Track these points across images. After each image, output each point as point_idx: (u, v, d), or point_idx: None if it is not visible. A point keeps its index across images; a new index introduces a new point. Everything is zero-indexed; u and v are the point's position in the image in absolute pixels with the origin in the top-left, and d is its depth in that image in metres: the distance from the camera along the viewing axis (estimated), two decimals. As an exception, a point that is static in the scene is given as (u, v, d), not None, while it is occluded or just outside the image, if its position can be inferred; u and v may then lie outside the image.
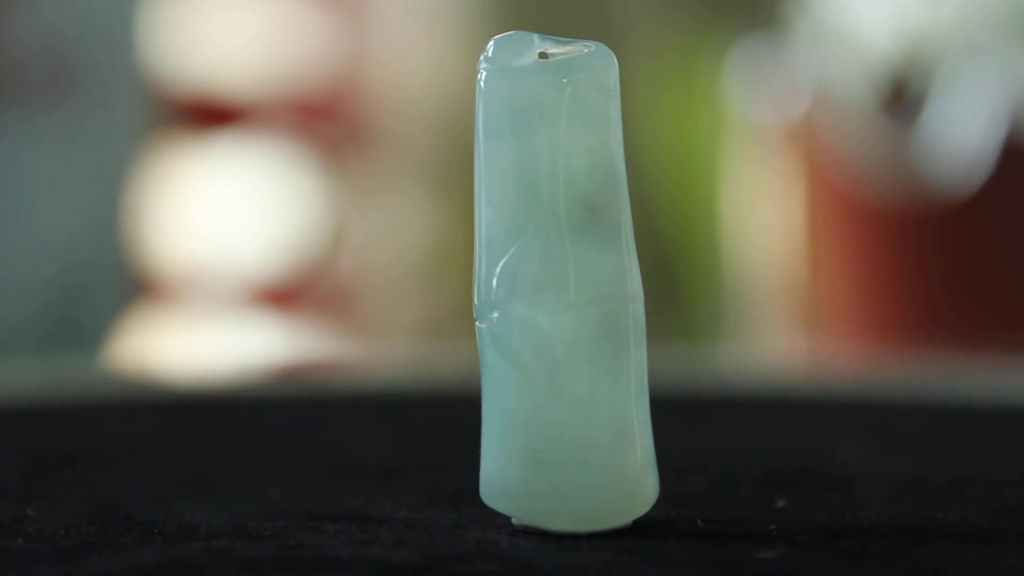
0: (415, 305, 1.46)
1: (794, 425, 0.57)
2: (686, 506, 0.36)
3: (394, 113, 1.47)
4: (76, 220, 1.04)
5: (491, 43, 0.33)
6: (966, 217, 1.09)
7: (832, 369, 0.93)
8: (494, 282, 0.33)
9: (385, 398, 0.67)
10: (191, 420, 0.58)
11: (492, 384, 0.33)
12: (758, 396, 0.67)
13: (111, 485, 0.41)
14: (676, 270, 1.42)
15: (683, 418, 0.58)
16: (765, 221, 1.19)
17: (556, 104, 0.33)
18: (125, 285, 1.09)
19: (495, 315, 0.33)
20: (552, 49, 0.33)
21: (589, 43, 0.33)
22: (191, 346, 1.32)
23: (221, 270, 1.37)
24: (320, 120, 1.42)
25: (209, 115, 1.36)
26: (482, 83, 0.33)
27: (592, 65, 0.33)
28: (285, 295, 1.38)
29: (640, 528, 0.34)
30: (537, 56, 0.33)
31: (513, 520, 0.34)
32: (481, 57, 0.33)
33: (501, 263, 0.33)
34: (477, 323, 0.33)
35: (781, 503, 0.38)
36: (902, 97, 1.11)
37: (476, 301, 0.33)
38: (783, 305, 1.18)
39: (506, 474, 0.33)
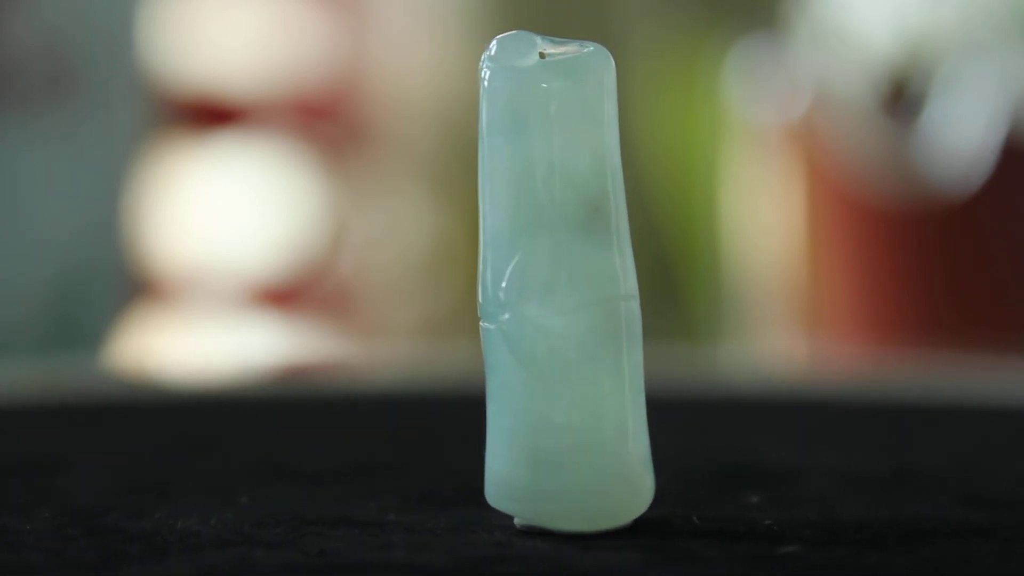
0: (415, 305, 1.46)
1: (792, 425, 0.57)
2: (676, 505, 0.37)
3: (394, 113, 1.47)
4: (76, 220, 1.04)
5: (494, 42, 0.33)
6: (966, 217, 1.09)
7: (832, 369, 0.93)
8: (503, 283, 0.33)
9: (383, 398, 0.67)
10: (190, 420, 0.58)
11: (499, 385, 0.33)
12: (757, 397, 0.67)
13: (96, 488, 0.41)
14: (676, 270, 1.42)
15: (681, 418, 0.58)
16: (765, 221, 1.19)
17: (560, 104, 0.33)
18: (125, 285, 1.09)
19: (506, 316, 0.33)
20: (550, 49, 0.33)
21: (587, 43, 0.33)
22: (191, 346, 1.32)
23: (221, 270, 1.37)
24: (320, 120, 1.42)
25: (209, 115, 1.36)
26: (486, 82, 0.33)
27: (593, 65, 0.33)
28: (285, 295, 1.38)
29: (642, 527, 0.34)
30: (537, 56, 0.33)
31: (516, 521, 0.34)
32: (484, 56, 0.33)
33: (511, 264, 0.33)
34: (484, 323, 0.33)
35: (754, 499, 0.38)
36: (902, 97, 1.11)
37: (482, 301, 0.33)
38: (783, 305, 1.18)
39: (514, 475, 0.33)
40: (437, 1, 1.50)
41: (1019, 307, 1.09)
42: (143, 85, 1.11)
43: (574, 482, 0.33)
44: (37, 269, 1.03)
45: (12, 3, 1.03)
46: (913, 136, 1.10)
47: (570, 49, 0.33)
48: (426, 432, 0.55)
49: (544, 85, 0.33)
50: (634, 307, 0.33)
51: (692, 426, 0.56)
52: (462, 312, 1.44)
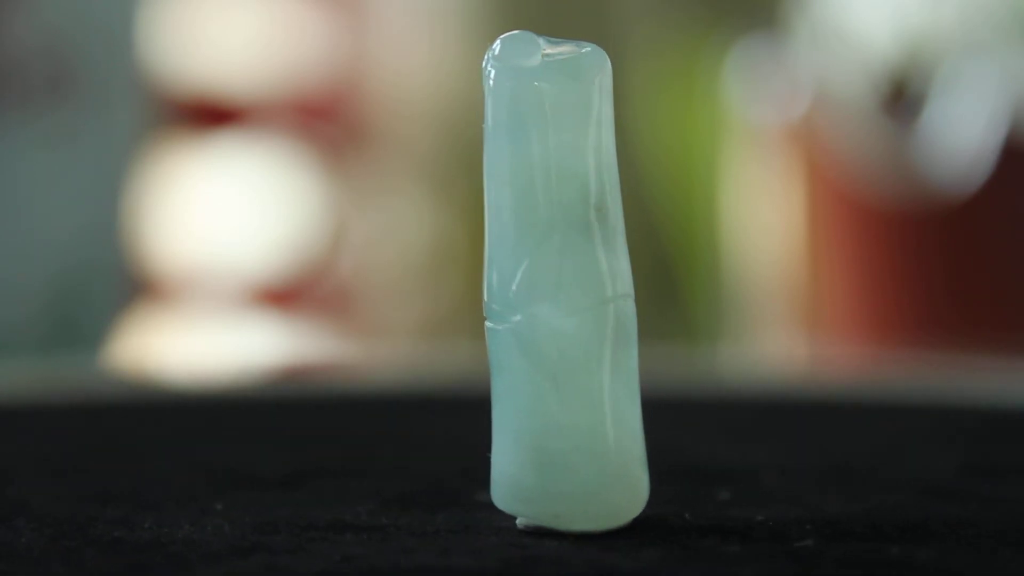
0: (415, 305, 1.46)
1: (789, 425, 0.57)
2: (667, 504, 0.37)
3: (394, 113, 1.47)
4: (76, 220, 1.04)
5: (498, 42, 0.33)
6: (966, 217, 1.09)
7: (831, 370, 0.93)
8: (514, 283, 0.33)
9: (383, 399, 0.67)
10: (189, 421, 0.58)
11: (508, 386, 0.33)
12: (756, 397, 0.67)
13: (92, 492, 0.41)
14: (676, 270, 1.42)
15: (679, 418, 0.58)
16: (765, 221, 1.19)
17: (563, 104, 0.33)
18: (125, 285, 1.09)
19: (517, 317, 0.33)
20: (548, 49, 0.33)
21: (584, 43, 0.34)
22: (191, 346, 1.32)
23: (221, 270, 1.37)
24: (320, 120, 1.42)
25: (209, 115, 1.37)
26: (491, 81, 0.33)
27: (593, 65, 0.33)
28: (285, 295, 1.38)
29: (640, 526, 0.34)
30: (541, 56, 0.33)
31: (518, 522, 0.34)
32: (488, 55, 0.33)
33: (523, 264, 0.33)
34: (492, 324, 0.33)
35: (725, 495, 0.38)
36: (902, 97, 1.11)
37: (489, 302, 0.33)
38: (783, 305, 1.18)
39: (522, 476, 0.33)
40: (437, 1, 1.50)
41: (1019, 307, 1.09)
42: (143, 85, 1.11)
43: (581, 482, 0.33)
44: (37, 269, 1.03)
45: (12, 3, 1.03)
46: (913, 136, 1.10)
47: (566, 49, 0.33)
48: (420, 433, 0.55)
49: (546, 85, 0.33)
50: (632, 306, 0.34)
51: (688, 426, 0.56)
52: (462, 312, 1.44)
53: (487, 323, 0.34)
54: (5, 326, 1.02)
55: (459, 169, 1.45)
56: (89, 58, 1.04)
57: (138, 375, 0.87)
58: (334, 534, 0.34)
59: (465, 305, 1.44)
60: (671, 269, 1.41)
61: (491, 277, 0.33)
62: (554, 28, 0.34)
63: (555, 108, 0.33)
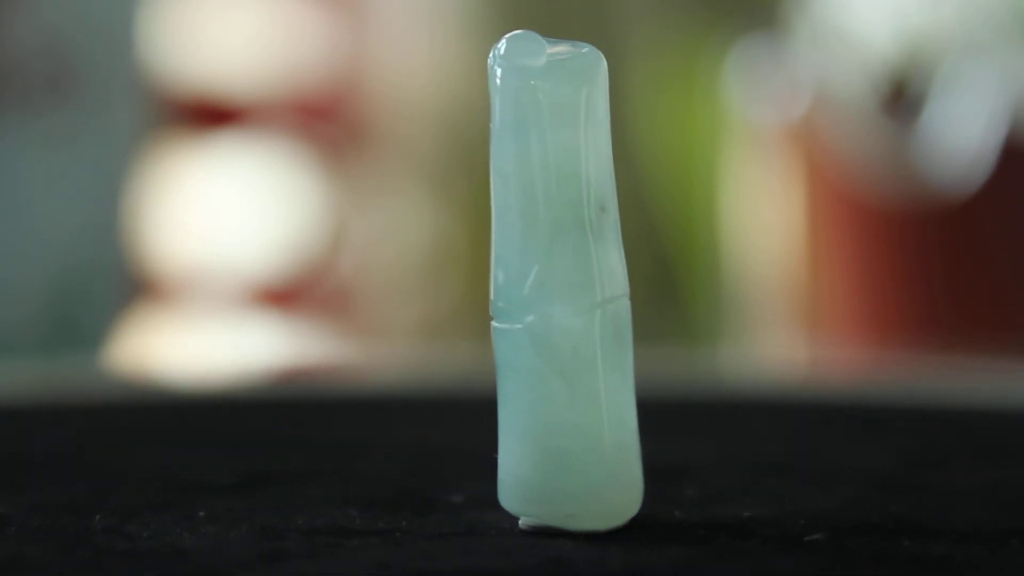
0: (415, 305, 1.46)
1: (785, 425, 0.57)
2: (654, 503, 0.37)
3: (394, 113, 1.47)
4: (76, 220, 1.04)
5: (503, 41, 0.33)
6: (966, 217, 1.09)
7: (831, 370, 0.93)
8: (527, 283, 0.33)
9: (382, 400, 0.67)
10: (188, 422, 0.58)
11: (518, 386, 0.33)
12: (755, 398, 0.67)
13: (84, 494, 0.41)
14: (676, 270, 1.42)
15: (675, 419, 0.58)
16: (765, 221, 1.19)
17: (567, 104, 0.33)
18: (125, 285, 1.09)
19: (531, 317, 0.33)
20: (547, 49, 0.33)
21: (580, 43, 0.34)
22: (191, 346, 1.32)
23: (221, 270, 1.37)
24: (320, 120, 1.42)
25: (209, 115, 1.36)
26: (497, 80, 0.33)
27: (594, 65, 0.34)
28: (285, 295, 1.38)
29: (641, 525, 0.34)
30: (546, 55, 0.33)
31: (521, 522, 0.34)
32: (492, 54, 0.33)
33: (535, 264, 0.33)
34: (502, 325, 0.33)
35: (689, 491, 0.39)
36: (902, 97, 1.11)
37: (499, 302, 0.33)
38: (783, 305, 1.18)
39: (533, 476, 0.33)
40: (437, 1, 1.50)
41: (1019, 307, 1.09)
42: (143, 85, 1.11)
43: (591, 482, 0.33)
44: (37, 269, 1.03)
45: (12, 3, 1.03)
46: (913, 136, 1.10)
47: (563, 49, 0.33)
48: (404, 435, 0.55)
49: (547, 86, 0.33)
50: (629, 305, 0.34)
51: (670, 425, 0.56)
52: (462, 312, 1.44)
53: (494, 323, 0.33)
54: (5, 326, 1.02)
55: (459, 169, 1.45)
56: (89, 58, 1.04)
57: (138, 375, 0.87)
58: (344, 539, 0.33)
59: (465, 305, 1.44)
60: (671, 269, 1.41)
61: (499, 276, 0.33)
62: (554, 28, 0.34)
63: (557, 108, 0.33)
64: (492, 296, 0.34)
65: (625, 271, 0.34)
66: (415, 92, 1.48)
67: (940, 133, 1.09)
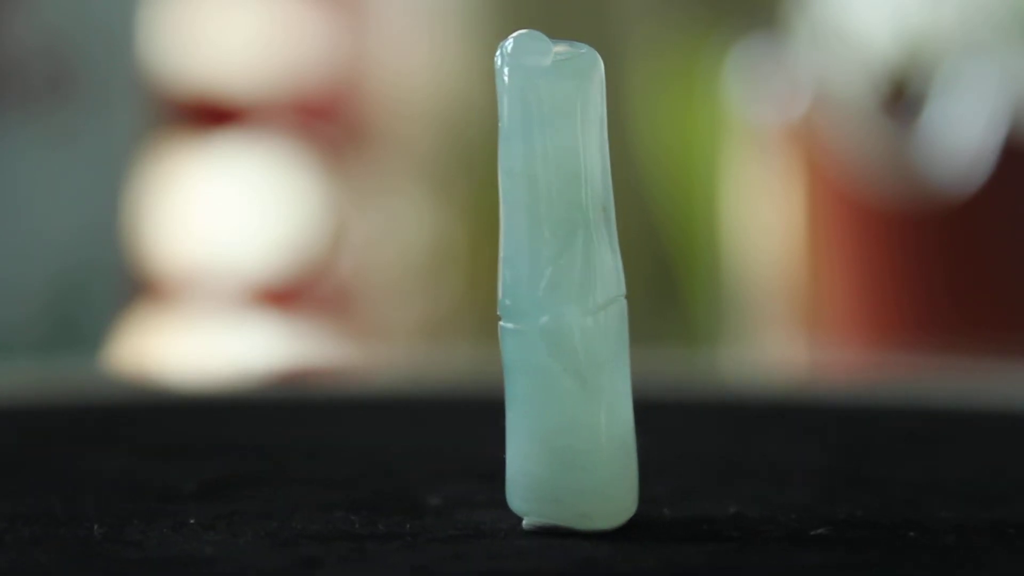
0: (415, 305, 1.46)
1: (780, 426, 0.57)
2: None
3: (394, 113, 1.47)
4: (76, 220, 1.04)
5: (510, 40, 0.33)
6: (966, 217, 1.09)
7: (831, 371, 0.93)
8: (542, 284, 0.33)
9: (382, 401, 0.67)
10: (187, 422, 0.58)
11: (530, 387, 0.33)
12: (754, 399, 0.67)
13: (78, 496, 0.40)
14: (676, 270, 1.42)
15: (674, 420, 0.58)
16: (765, 221, 1.19)
17: (572, 104, 0.33)
18: (125, 285, 1.09)
19: (545, 318, 0.33)
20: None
21: (576, 43, 0.34)
22: (191, 347, 1.32)
23: (221, 270, 1.37)
24: (320, 120, 1.42)
25: (209, 115, 1.36)
26: (505, 79, 0.33)
27: (594, 65, 0.34)
28: (285, 295, 1.38)
29: (640, 523, 0.34)
30: (553, 55, 0.33)
31: (524, 523, 0.34)
32: (499, 53, 0.33)
33: (548, 264, 0.33)
34: (510, 325, 0.33)
35: (658, 488, 0.39)
36: (902, 97, 1.11)
37: (507, 300, 0.33)
38: (783, 305, 1.18)
39: (550, 477, 0.33)
40: (437, 1, 1.50)
41: (1019, 307, 1.09)
42: (143, 85, 1.11)
43: (601, 481, 0.33)
44: (37, 269, 1.03)
45: (12, 3, 1.03)
46: (913, 136, 1.10)
47: (561, 49, 0.34)
48: (392, 437, 0.55)
49: (552, 85, 0.33)
50: (626, 304, 0.34)
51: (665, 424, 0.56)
52: (462, 313, 1.44)
53: (503, 324, 0.33)
54: (5, 326, 1.02)
55: (459, 169, 1.45)
56: (89, 58, 1.04)
57: (138, 375, 0.87)
58: (357, 542, 0.33)
59: (465, 305, 1.44)
60: (671, 269, 1.41)
61: (508, 276, 0.33)
62: (554, 28, 0.34)
63: (560, 108, 0.33)
64: (500, 295, 0.34)
65: (622, 271, 0.34)
66: (415, 92, 1.48)
67: (940, 133, 1.09)
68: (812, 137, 1.14)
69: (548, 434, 0.33)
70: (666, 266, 1.41)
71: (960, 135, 1.08)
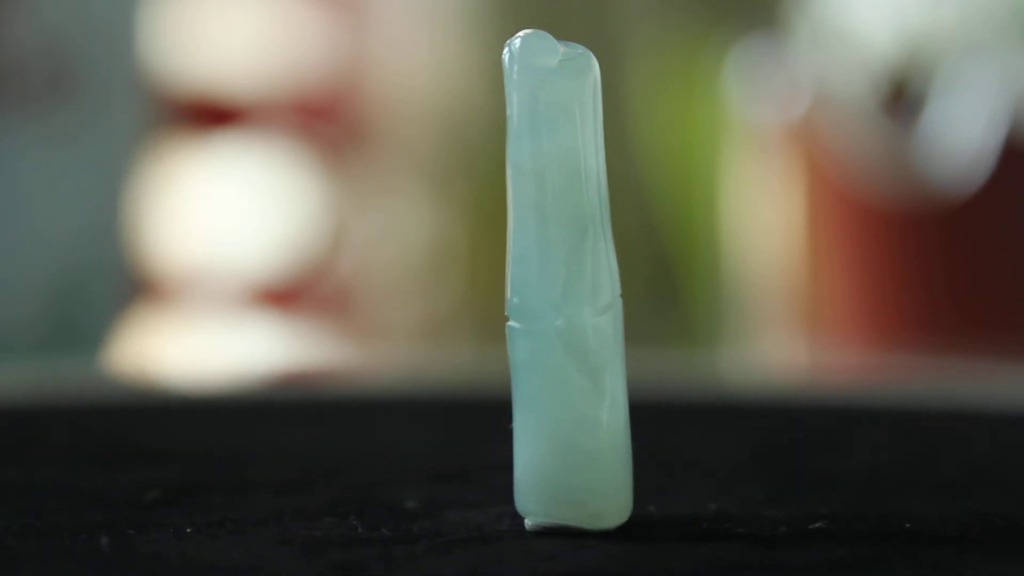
0: (415, 306, 1.46)
1: (784, 426, 0.57)
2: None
3: (394, 113, 1.47)
4: (76, 220, 1.04)
5: (517, 40, 0.34)
6: (966, 217, 1.09)
7: (831, 372, 0.93)
8: (559, 284, 0.33)
9: (382, 401, 0.67)
10: (187, 423, 0.58)
11: (542, 387, 0.33)
12: (753, 399, 0.67)
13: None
14: (676, 270, 1.42)
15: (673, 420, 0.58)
16: (765, 221, 1.19)
17: (581, 104, 0.34)
18: (125, 285, 1.09)
19: (561, 318, 0.33)
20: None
21: (572, 44, 0.34)
22: (191, 347, 1.31)
23: (221, 270, 1.37)
24: (320, 120, 1.42)
25: (209, 115, 1.36)
26: (515, 77, 0.33)
27: (592, 67, 0.34)
28: (285, 295, 1.38)
29: (639, 523, 0.34)
30: (559, 55, 0.33)
31: (528, 523, 0.34)
32: (507, 52, 0.33)
33: (563, 264, 0.33)
34: (520, 325, 0.33)
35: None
36: (902, 97, 1.11)
37: (515, 299, 0.33)
38: (783, 305, 1.18)
39: (563, 478, 0.33)
40: (437, 1, 1.50)
41: (1019, 307, 1.09)
42: (143, 85, 1.11)
43: (611, 480, 0.33)
44: (37, 269, 1.03)
45: (12, 3, 1.03)
46: (913, 136, 1.10)
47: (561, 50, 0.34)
48: (410, 436, 0.55)
49: (569, 84, 0.33)
50: (622, 305, 0.34)
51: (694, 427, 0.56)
52: (462, 313, 1.44)
53: (512, 323, 0.33)
54: (5, 326, 1.02)
55: (459, 169, 1.45)
56: (89, 58, 1.04)
57: (138, 375, 0.87)
58: (384, 547, 0.32)
59: (465, 305, 1.44)
60: (671, 269, 1.41)
61: (517, 275, 0.33)
62: (554, 28, 0.34)
63: (564, 108, 0.33)
64: (509, 295, 0.34)
65: (617, 270, 0.34)
66: (415, 92, 1.48)
67: (940, 133, 1.09)
68: (812, 137, 1.14)
69: (563, 435, 0.33)
70: (666, 266, 1.41)
71: (960, 135, 1.08)
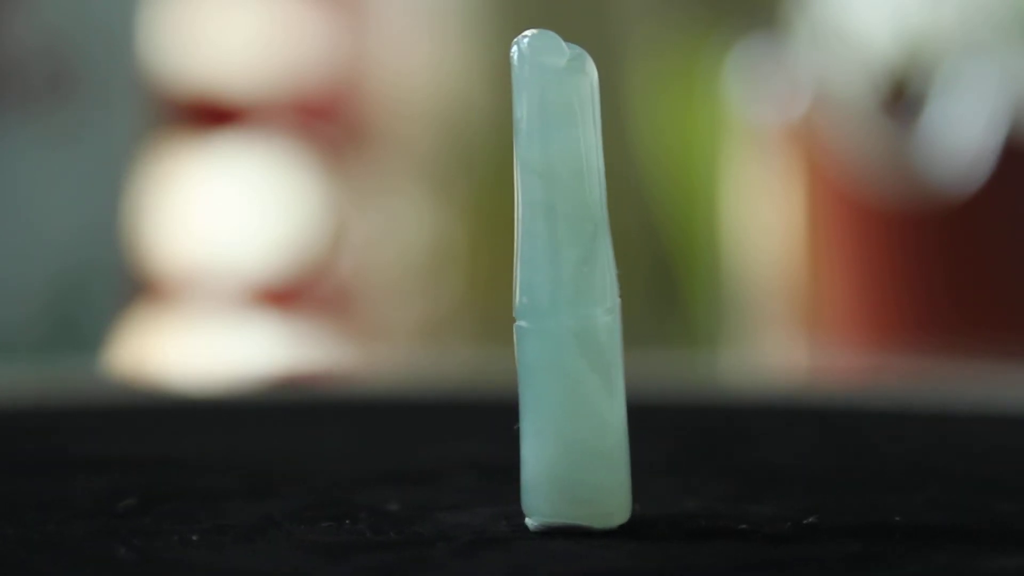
0: (415, 306, 1.46)
1: (783, 426, 0.57)
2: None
3: (394, 113, 1.47)
4: (76, 220, 1.04)
5: (525, 38, 0.33)
6: (966, 217, 1.09)
7: (831, 372, 0.93)
8: (571, 284, 0.33)
9: (382, 402, 0.67)
10: (187, 423, 0.58)
11: (554, 388, 0.33)
12: (753, 400, 0.67)
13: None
14: (676, 270, 1.42)
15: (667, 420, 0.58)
16: (765, 221, 1.19)
17: (585, 105, 0.34)
18: (125, 285, 1.09)
19: (574, 318, 0.33)
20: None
21: (572, 45, 0.34)
22: (191, 347, 1.32)
23: (221, 270, 1.37)
24: (320, 120, 1.42)
25: (209, 115, 1.36)
26: (525, 76, 0.33)
27: (592, 67, 0.34)
28: (285, 295, 1.38)
29: (640, 522, 0.34)
30: (567, 55, 0.33)
31: (531, 524, 0.34)
32: (515, 50, 0.33)
33: (575, 265, 0.33)
34: (530, 325, 0.33)
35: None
36: (902, 97, 1.11)
37: (527, 301, 0.33)
38: (783, 305, 1.18)
39: (578, 478, 0.33)
40: (437, 1, 1.50)
41: (1019, 307, 1.09)
42: (143, 85, 1.11)
43: (621, 479, 0.33)
44: (37, 269, 1.03)
45: (12, 3, 1.03)
46: (913, 136, 1.10)
47: None
48: (409, 436, 0.55)
49: (574, 84, 0.33)
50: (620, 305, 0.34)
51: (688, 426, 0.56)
52: (462, 313, 1.44)
53: (521, 324, 0.33)
54: (5, 326, 1.02)
55: (459, 169, 1.45)
56: (89, 58, 1.04)
57: (137, 376, 0.87)
58: (411, 550, 0.32)
59: (465, 306, 1.44)
60: (671, 269, 1.41)
61: (526, 275, 0.33)
62: (554, 28, 0.34)
63: (569, 108, 0.33)
64: (518, 295, 0.33)
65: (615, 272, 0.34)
66: (415, 92, 1.48)
67: (940, 133, 1.09)
68: (812, 137, 1.14)
69: (577, 435, 0.33)
70: (666, 266, 1.41)
71: (960, 135, 1.08)
